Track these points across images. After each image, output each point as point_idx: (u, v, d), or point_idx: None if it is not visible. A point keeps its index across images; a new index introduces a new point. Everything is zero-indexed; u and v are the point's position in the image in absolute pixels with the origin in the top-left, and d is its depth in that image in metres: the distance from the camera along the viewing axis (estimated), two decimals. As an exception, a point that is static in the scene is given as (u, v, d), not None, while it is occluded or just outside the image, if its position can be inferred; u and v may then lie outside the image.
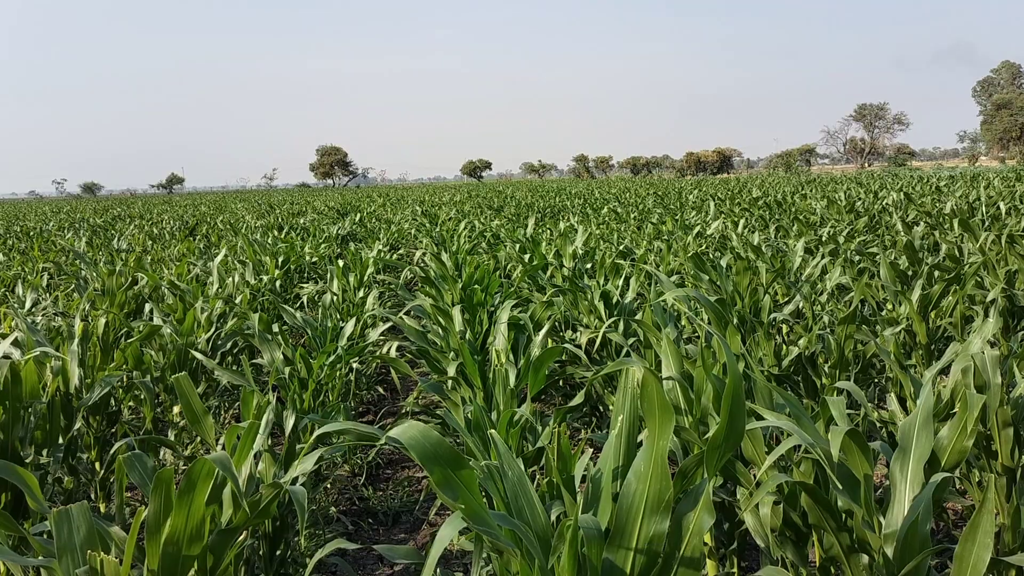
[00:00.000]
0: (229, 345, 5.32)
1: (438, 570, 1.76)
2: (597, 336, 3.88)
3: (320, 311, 6.08)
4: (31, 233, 15.92)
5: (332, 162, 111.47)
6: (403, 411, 5.30)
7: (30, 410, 2.94)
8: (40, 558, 1.55)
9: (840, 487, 1.76)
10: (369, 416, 5.74)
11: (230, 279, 5.94)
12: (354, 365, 5.18)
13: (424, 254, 7.63)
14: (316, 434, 1.78)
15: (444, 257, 7.07)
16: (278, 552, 2.92)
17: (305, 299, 6.66)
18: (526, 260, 5.71)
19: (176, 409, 5.00)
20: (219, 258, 5.76)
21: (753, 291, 4.91)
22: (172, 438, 4.65)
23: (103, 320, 3.93)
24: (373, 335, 4.28)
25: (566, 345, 3.40)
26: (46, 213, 33.73)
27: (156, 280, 5.60)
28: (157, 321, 5.20)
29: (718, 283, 4.91)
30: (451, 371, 3.56)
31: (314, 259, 9.34)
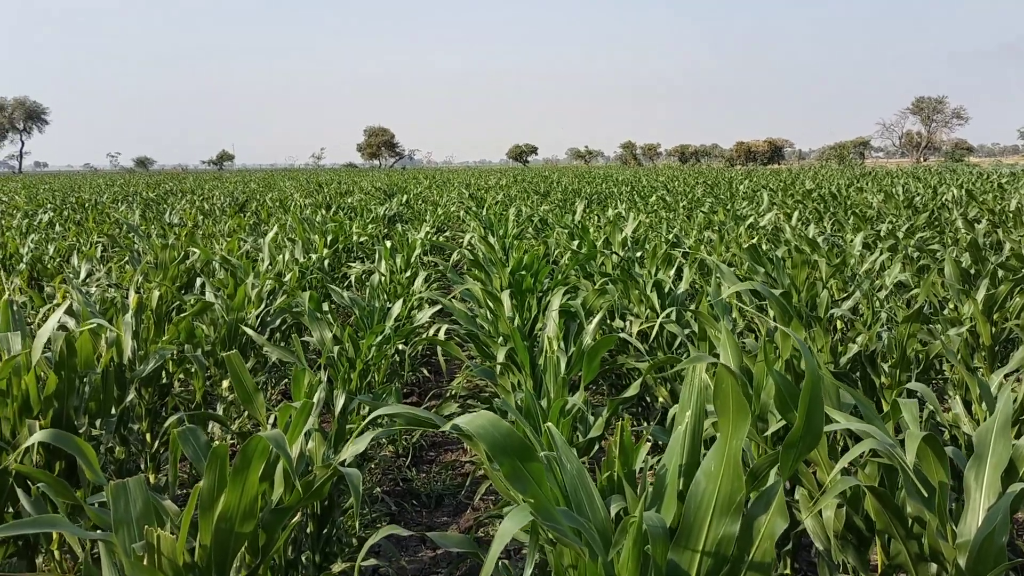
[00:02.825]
0: (278, 322, 5.35)
1: (500, 562, 1.72)
2: (653, 326, 3.80)
3: (368, 291, 6.08)
4: (86, 205, 16.26)
5: (379, 143, 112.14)
6: (448, 394, 5.28)
7: (85, 380, 2.96)
8: (98, 532, 1.54)
9: (918, 494, 1.67)
10: (414, 398, 5.74)
11: (280, 256, 5.97)
12: (399, 347, 5.17)
13: (472, 237, 7.59)
14: (372, 416, 1.75)
15: (492, 241, 7.03)
16: (325, 531, 2.92)
17: (352, 279, 6.67)
18: (575, 247, 5.63)
19: (225, 384, 5.05)
20: (270, 235, 5.78)
21: (811, 285, 4.78)
22: (220, 413, 4.69)
23: (157, 293, 3.97)
24: (421, 317, 4.25)
25: (622, 335, 3.33)
26: (100, 186, 34.45)
27: (208, 255, 5.65)
28: (209, 296, 5.24)
29: (774, 276, 4.79)
30: (500, 356, 3.52)
31: (362, 239, 9.37)
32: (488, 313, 4.19)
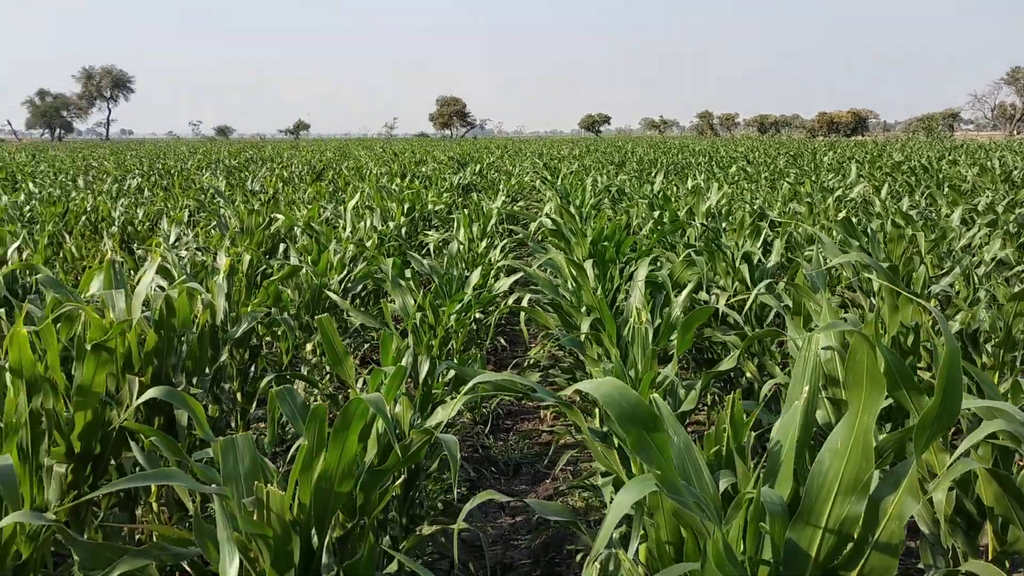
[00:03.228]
0: (359, 288, 5.42)
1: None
2: (744, 298, 3.70)
3: (445, 259, 6.10)
4: (172, 172, 16.74)
5: (451, 113, 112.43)
6: (527, 363, 5.27)
7: (182, 340, 3.04)
8: (213, 486, 1.57)
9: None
10: (491, 367, 5.75)
11: (361, 224, 6.03)
12: (477, 315, 5.17)
13: (549, 207, 7.53)
14: (472, 383, 1.73)
15: (571, 211, 6.96)
16: (411, 494, 2.94)
17: (432, 247, 6.70)
18: (656, 217, 5.52)
19: (308, 347, 5.14)
20: (352, 203, 5.84)
21: (907, 261, 4.58)
22: (306, 375, 4.79)
23: (247, 257, 4.04)
24: (500, 286, 4.23)
25: (718, 306, 3.25)
26: (184, 153, 35.47)
27: (292, 221, 5.74)
28: (293, 260, 5.33)
29: (868, 250, 4.60)
30: (584, 327, 3.47)
31: (437, 207, 9.41)
32: (570, 283, 4.14)
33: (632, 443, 1.23)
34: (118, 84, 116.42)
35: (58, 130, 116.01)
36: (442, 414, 2.37)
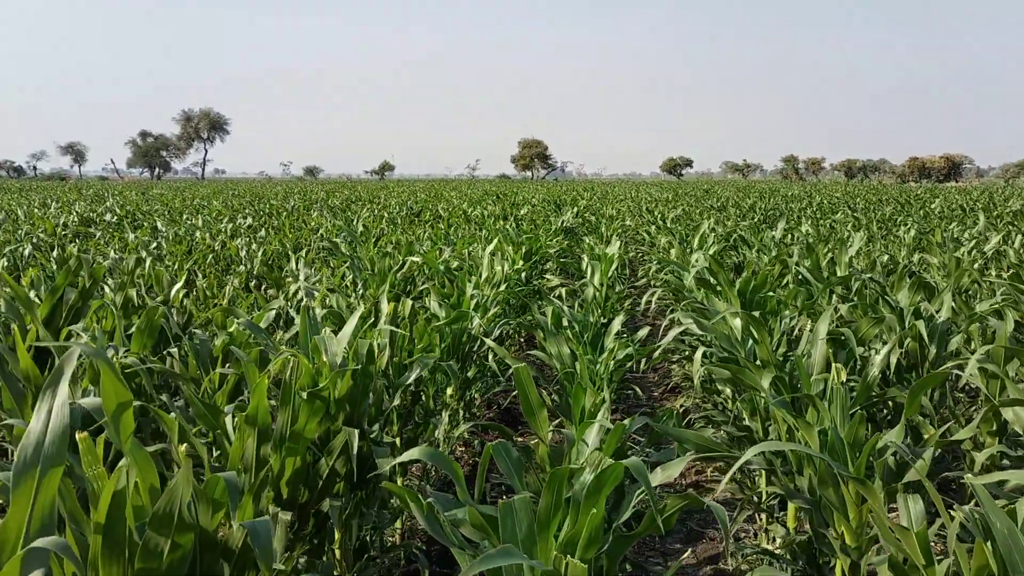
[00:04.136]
0: (497, 332, 5.40)
1: None
2: (917, 354, 3.52)
3: (579, 305, 6.06)
4: (280, 212, 17.28)
5: (532, 155, 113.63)
6: (673, 411, 5.15)
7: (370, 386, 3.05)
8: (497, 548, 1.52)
9: None
10: (616, 416, 5.66)
11: (496, 267, 6.04)
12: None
13: (673, 252, 7.43)
14: (685, 446, 1.64)
15: (695, 257, 6.84)
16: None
17: (563, 292, 6.66)
18: (805, 265, 5.35)
19: (449, 391, 5.14)
20: (491, 247, 5.85)
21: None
22: (446, 419, 4.78)
23: (409, 302, 4.07)
24: (666, 338, 4.14)
25: (959, 371, 3.08)
26: (280, 192, 36.68)
27: (435, 264, 5.79)
28: (433, 304, 5.34)
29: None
30: (765, 383, 3.35)
31: (552, 250, 9.41)
32: (734, 335, 4.02)
33: None
34: (215, 126, 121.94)
35: (157, 169, 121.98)
36: (662, 475, 2.28)
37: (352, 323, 2.81)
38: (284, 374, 2.70)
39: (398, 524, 3.79)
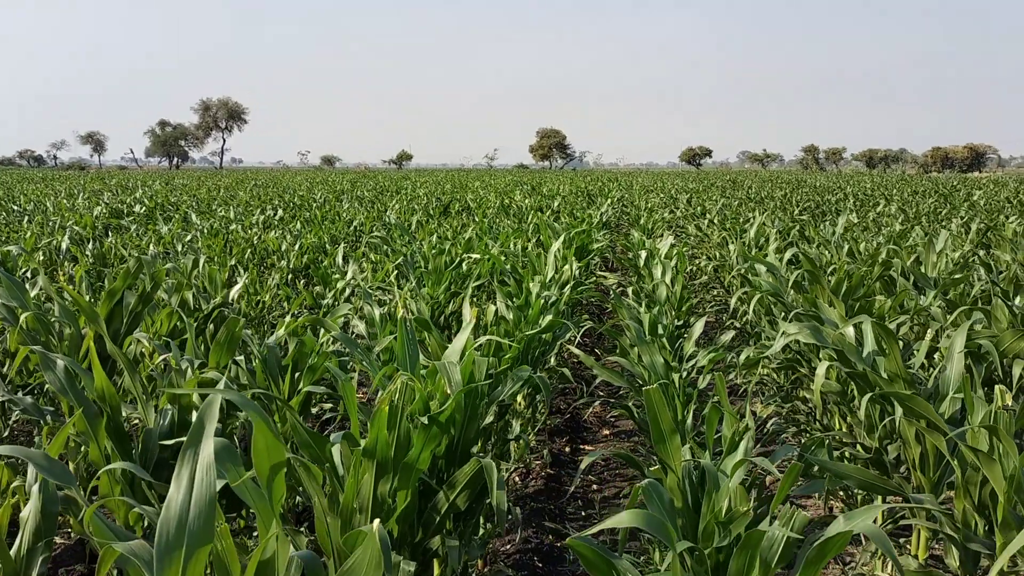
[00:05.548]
0: (567, 336, 5.10)
1: None
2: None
3: (644, 304, 5.74)
4: (309, 203, 17.01)
5: (551, 144, 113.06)
6: (824, 440, 4.84)
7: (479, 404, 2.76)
8: None
9: None
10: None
11: (553, 264, 5.73)
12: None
13: (735, 250, 7.09)
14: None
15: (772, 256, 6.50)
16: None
17: (630, 292, 6.34)
18: (903, 264, 4.98)
19: (519, 399, 4.85)
20: (556, 245, 5.52)
21: None
22: (517, 428, 4.50)
23: (492, 308, 3.77)
24: (775, 344, 3.81)
25: None
26: (301, 182, 36.40)
27: (500, 262, 5.49)
28: (501, 307, 5.04)
29: None
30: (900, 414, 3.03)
31: (598, 245, 9.08)
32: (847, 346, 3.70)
33: None
34: (233, 115, 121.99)
35: (176, 158, 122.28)
36: (844, 524, 1.97)
37: (463, 338, 2.52)
38: (390, 395, 2.41)
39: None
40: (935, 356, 4.25)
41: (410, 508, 2.32)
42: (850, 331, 3.78)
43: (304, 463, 1.81)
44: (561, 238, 5.75)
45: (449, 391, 2.29)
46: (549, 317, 4.85)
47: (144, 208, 14.90)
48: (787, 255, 5.14)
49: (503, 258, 5.60)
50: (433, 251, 6.11)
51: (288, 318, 4.61)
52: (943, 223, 12.04)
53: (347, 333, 4.07)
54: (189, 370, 2.93)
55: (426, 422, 2.10)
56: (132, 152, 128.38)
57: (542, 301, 5.14)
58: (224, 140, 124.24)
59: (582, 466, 2.52)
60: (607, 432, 5.41)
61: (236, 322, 2.90)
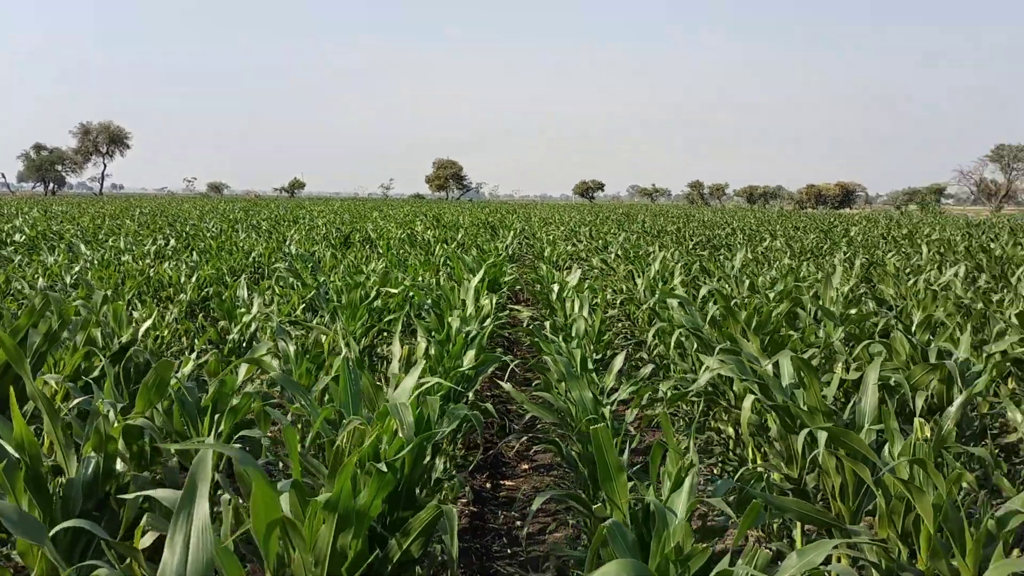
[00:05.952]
0: (490, 370, 5.11)
1: None
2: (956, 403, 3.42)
3: (562, 338, 5.81)
4: (206, 233, 16.43)
5: (448, 175, 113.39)
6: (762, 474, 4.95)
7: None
8: None
9: None
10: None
11: (473, 298, 5.73)
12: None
13: (642, 285, 7.28)
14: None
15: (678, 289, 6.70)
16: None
17: (548, 326, 6.40)
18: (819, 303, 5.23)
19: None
20: (475, 281, 5.51)
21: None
22: (441, 466, 4.45)
23: (423, 343, 3.74)
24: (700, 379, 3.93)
25: None
26: (188, 210, 35.12)
27: (421, 297, 5.44)
28: (421, 342, 5.00)
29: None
30: (822, 438, 3.18)
31: (507, 278, 9.15)
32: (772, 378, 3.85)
33: None
34: (115, 140, 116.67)
35: (51, 184, 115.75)
36: (799, 562, 2.04)
37: (413, 377, 2.48)
38: (338, 440, 2.34)
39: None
40: (842, 388, 4.49)
41: (360, 557, 2.26)
42: (767, 365, 3.95)
43: (295, 524, 1.73)
44: (482, 270, 5.76)
45: (401, 434, 2.25)
46: (471, 352, 4.84)
47: (24, 237, 14.03)
48: (703, 291, 5.30)
49: (423, 292, 5.55)
50: (347, 284, 5.99)
51: (192, 355, 4.43)
52: (826, 258, 12.75)
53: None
54: (111, 413, 2.77)
55: (384, 468, 2.04)
56: (3, 176, 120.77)
57: (463, 336, 5.13)
58: (105, 165, 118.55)
59: (533, 507, 2.51)
60: (526, 467, 5.41)
61: (168, 365, 2.76)
